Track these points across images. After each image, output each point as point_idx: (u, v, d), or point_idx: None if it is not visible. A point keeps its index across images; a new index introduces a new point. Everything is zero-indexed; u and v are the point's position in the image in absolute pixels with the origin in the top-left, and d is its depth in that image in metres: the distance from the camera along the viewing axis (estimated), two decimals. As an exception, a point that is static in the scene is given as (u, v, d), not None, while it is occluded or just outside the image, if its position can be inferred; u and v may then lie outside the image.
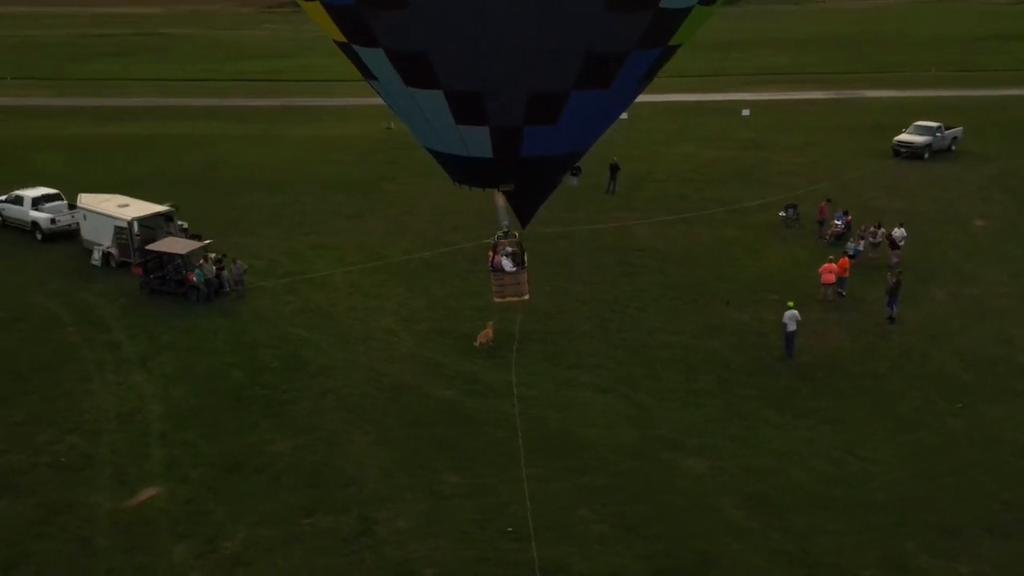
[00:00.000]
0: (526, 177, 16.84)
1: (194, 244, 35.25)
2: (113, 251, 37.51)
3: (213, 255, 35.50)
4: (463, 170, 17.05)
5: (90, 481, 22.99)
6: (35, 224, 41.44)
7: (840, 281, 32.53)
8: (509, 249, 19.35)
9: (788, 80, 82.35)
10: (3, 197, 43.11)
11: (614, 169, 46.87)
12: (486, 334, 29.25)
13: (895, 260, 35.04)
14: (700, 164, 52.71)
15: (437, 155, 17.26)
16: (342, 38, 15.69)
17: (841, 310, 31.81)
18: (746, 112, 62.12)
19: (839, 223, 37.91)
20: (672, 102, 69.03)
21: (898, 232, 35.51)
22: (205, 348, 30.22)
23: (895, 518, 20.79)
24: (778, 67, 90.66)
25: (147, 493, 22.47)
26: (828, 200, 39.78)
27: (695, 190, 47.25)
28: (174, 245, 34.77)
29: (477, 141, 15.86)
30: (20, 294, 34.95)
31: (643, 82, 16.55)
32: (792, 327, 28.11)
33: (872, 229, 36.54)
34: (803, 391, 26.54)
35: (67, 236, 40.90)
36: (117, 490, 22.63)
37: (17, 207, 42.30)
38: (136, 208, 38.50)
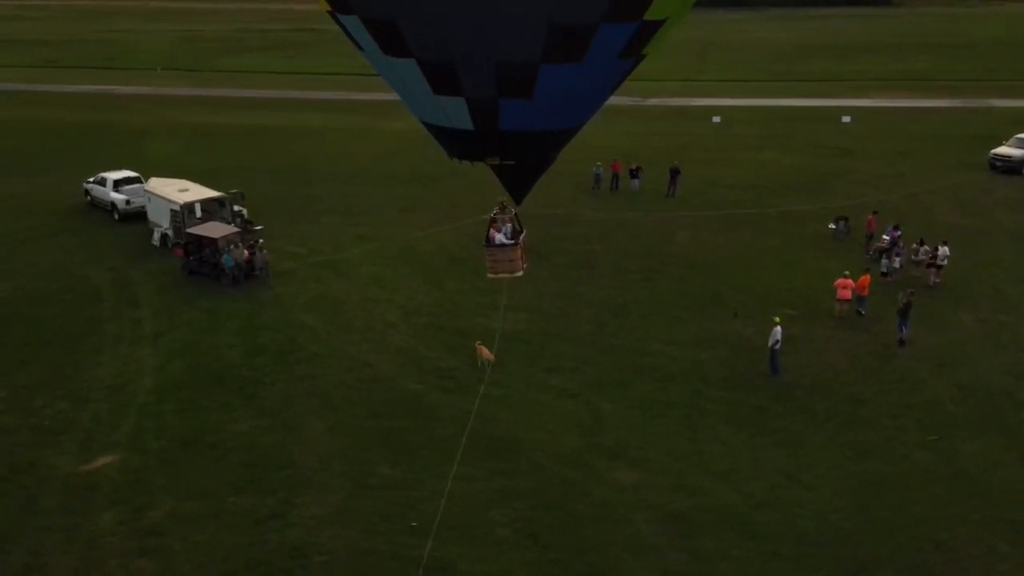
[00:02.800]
0: (511, 152, 16.62)
1: (230, 229, 36.88)
2: (169, 233, 39.75)
3: (261, 240, 37.26)
4: (451, 142, 16.96)
5: (60, 445, 24.54)
6: (113, 204, 44.40)
7: (859, 299, 30.82)
8: (509, 225, 19.52)
9: (916, 86, 78.05)
10: (92, 179, 46.36)
11: (674, 172, 45.98)
12: (482, 350, 27.88)
13: (934, 280, 32.91)
14: (776, 171, 50.85)
15: (429, 127, 17.20)
16: (327, 7, 15.89)
17: (853, 329, 30.13)
18: (846, 119, 59.35)
19: (887, 238, 35.77)
20: (774, 106, 66.92)
21: (941, 251, 33.22)
22: (216, 328, 31.63)
23: (810, 550, 19.70)
24: (912, 72, 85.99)
25: (103, 460, 23.80)
26: (875, 212, 37.64)
27: (758, 197, 45.69)
28: (212, 229, 36.49)
29: (456, 112, 15.78)
30: (79, 268, 37.55)
31: (626, 60, 15.81)
32: (779, 344, 26.93)
33: (915, 246, 34.34)
34: (773, 410, 25.38)
35: (142, 216, 43.50)
36: (80, 455, 24.07)
37: (101, 188, 45.44)
38: (194, 193, 40.63)
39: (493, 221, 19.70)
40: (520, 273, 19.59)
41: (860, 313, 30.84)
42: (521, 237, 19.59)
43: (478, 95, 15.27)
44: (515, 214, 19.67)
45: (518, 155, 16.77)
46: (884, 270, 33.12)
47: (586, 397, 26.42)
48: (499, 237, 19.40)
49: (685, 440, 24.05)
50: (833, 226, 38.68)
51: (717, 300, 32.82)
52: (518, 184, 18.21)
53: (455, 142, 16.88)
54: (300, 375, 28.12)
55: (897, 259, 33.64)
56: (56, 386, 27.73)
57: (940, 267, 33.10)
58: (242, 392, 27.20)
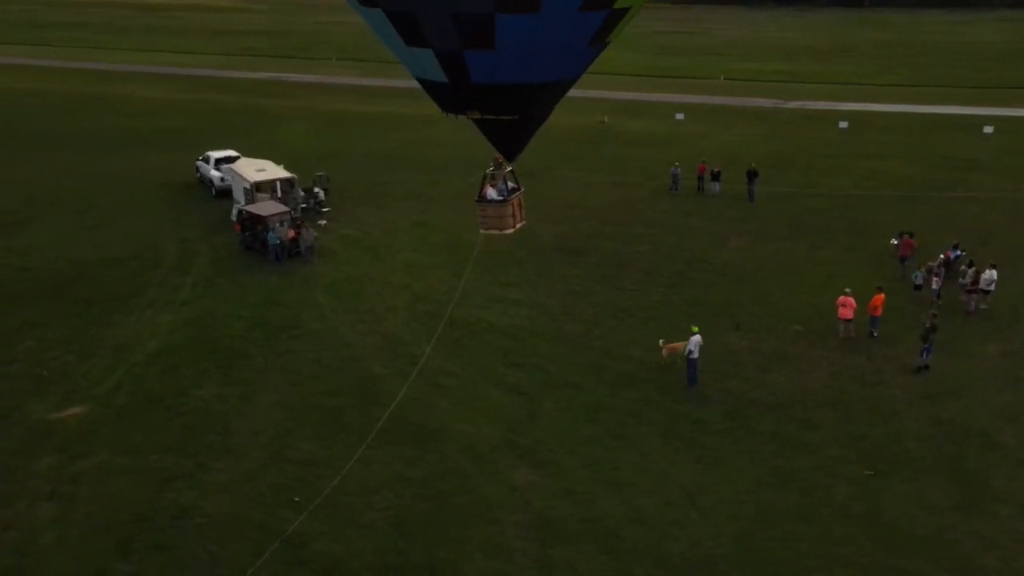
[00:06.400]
0: (490, 107, 16.82)
1: (280, 208, 38.65)
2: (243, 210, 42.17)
3: (323, 223, 39.02)
4: (435, 95, 17.30)
5: (46, 395, 26.53)
6: (211, 181, 47.52)
7: (872, 320, 28.41)
8: (508, 184, 19.84)
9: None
10: (200, 156, 49.81)
11: (751, 176, 43.83)
12: (673, 348, 27.27)
13: (974, 306, 29.81)
14: (883, 181, 47.38)
15: (419, 81, 17.57)
16: None
17: (853, 351, 27.80)
18: (988, 129, 54.25)
19: (941, 257, 32.62)
20: (920, 113, 62.32)
21: (987, 275, 29.96)
22: (239, 301, 33.21)
23: (665, 573, 18.57)
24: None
25: (72, 410, 25.71)
26: (911, 235, 34.29)
27: (843, 207, 42.79)
28: (263, 208, 38.42)
29: (428, 64, 16.20)
30: (157, 238, 40.45)
31: (592, 12, 15.42)
32: (695, 354, 25.50)
33: (963, 268, 31.16)
34: (714, 426, 23.92)
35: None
36: (58, 404, 26.02)
37: (205, 165, 48.76)
38: (269, 173, 42.86)
39: (491, 178, 19.77)
40: (510, 231, 19.71)
41: (872, 335, 28.42)
42: (515, 195, 19.58)
43: (443, 47, 15.49)
44: (511, 171, 19.67)
45: (499, 110, 16.78)
46: (918, 282, 30.41)
47: (532, 395, 25.95)
48: (491, 193, 19.53)
49: (605, 447, 23.17)
50: (895, 241, 35.68)
51: (729, 311, 31.17)
52: (506, 141, 18.15)
53: (437, 95, 17.09)
54: (282, 350, 29.15)
55: (935, 279, 30.66)
56: (73, 341, 30.00)
57: (986, 292, 29.89)
58: (223, 361, 28.47)
